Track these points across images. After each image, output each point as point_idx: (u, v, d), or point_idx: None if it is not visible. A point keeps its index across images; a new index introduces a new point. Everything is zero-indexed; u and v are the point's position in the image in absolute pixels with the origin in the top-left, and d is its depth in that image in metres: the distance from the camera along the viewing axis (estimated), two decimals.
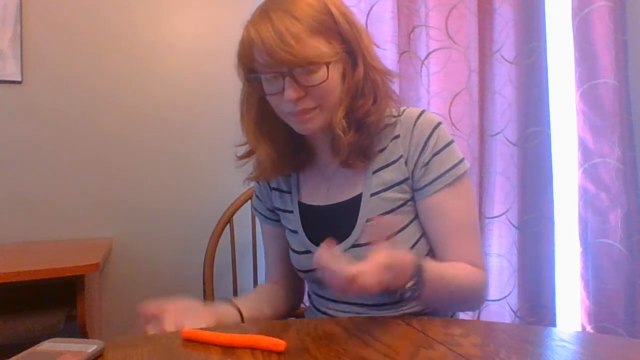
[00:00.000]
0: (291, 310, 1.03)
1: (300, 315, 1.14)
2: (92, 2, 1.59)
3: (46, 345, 0.56)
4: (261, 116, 0.85)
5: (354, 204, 0.85)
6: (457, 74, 1.65)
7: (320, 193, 0.90)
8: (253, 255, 1.43)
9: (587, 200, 1.69)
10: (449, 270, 0.79)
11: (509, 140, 1.71)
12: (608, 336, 0.67)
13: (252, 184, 1.00)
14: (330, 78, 0.76)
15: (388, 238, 0.66)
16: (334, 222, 0.87)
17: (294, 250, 0.93)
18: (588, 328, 1.67)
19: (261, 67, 0.76)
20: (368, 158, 0.83)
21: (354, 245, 0.84)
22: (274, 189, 0.97)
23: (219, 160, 1.67)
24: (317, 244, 0.88)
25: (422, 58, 1.66)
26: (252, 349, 0.58)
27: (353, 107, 0.80)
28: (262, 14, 0.75)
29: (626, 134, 1.65)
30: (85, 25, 1.58)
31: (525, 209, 1.71)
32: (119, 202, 1.60)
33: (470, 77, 1.67)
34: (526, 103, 1.71)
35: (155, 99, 1.64)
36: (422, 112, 0.86)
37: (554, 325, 1.68)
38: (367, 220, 0.84)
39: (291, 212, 0.93)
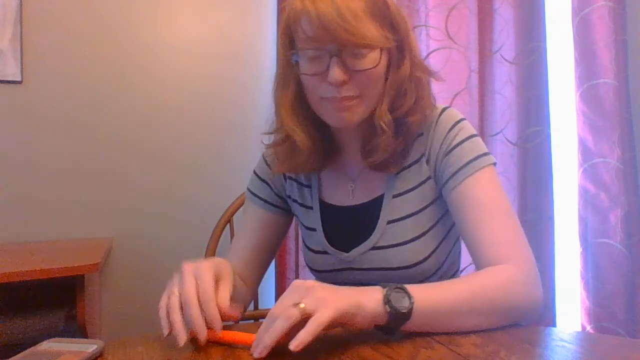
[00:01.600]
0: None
1: None
2: (92, 3, 1.59)
3: (46, 345, 0.56)
4: (299, 100, 0.79)
5: (375, 205, 0.82)
6: (457, 74, 1.66)
7: (343, 193, 0.86)
8: None
9: (587, 200, 1.69)
10: (447, 287, 0.64)
11: (509, 140, 1.71)
12: (608, 336, 0.66)
13: (257, 166, 0.93)
14: (381, 65, 0.73)
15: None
16: (353, 223, 0.84)
17: (309, 249, 0.89)
18: (588, 328, 1.67)
19: (307, 43, 0.71)
20: (399, 165, 0.79)
21: (374, 248, 0.81)
22: (290, 178, 0.90)
23: (219, 161, 1.67)
24: (335, 245, 0.85)
25: (422, 58, 1.66)
26: None
27: (394, 105, 0.76)
28: None
29: (626, 134, 1.65)
30: (85, 26, 1.58)
31: (525, 209, 1.71)
32: (119, 202, 1.60)
33: (470, 77, 1.67)
34: (526, 103, 1.71)
35: (155, 100, 1.64)
36: (446, 107, 0.82)
37: (554, 325, 1.68)
38: (388, 223, 0.81)
39: (310, 208, 0.88)
